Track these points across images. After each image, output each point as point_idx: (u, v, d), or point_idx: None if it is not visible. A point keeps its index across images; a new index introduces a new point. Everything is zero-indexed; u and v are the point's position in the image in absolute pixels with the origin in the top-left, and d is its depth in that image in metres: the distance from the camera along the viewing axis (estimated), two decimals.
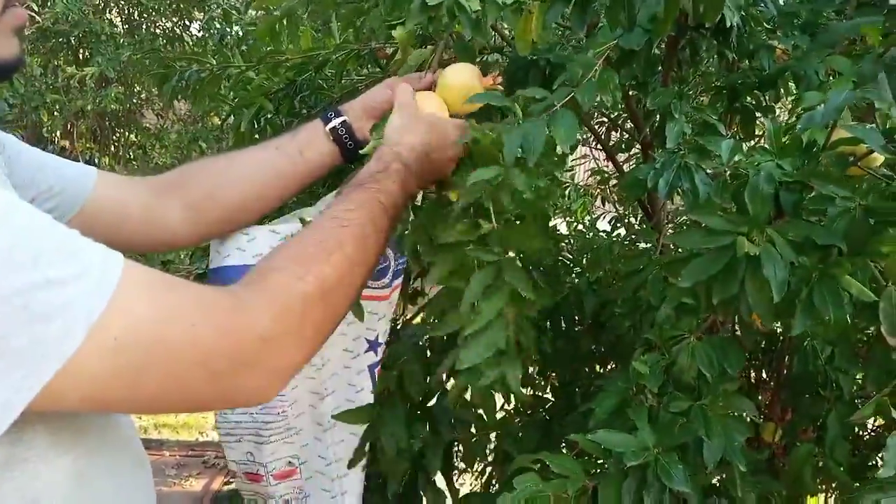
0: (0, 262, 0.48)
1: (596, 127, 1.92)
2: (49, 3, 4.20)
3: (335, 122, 0.97)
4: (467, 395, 0.95)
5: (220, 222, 0.98)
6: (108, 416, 0.66)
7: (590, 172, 2.34)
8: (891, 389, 0.71)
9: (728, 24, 1.06)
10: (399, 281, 1.30)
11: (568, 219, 2.32)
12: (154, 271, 0.58)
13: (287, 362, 0.63)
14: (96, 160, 4.79)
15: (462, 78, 0.98)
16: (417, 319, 1.49)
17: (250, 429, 1.30)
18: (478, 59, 1.20)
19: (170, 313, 0.56)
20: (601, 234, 1.98)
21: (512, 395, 0.83)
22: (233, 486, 1.68)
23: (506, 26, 1.08)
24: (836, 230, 0.76)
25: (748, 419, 0.91)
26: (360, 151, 0.97)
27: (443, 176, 0.87)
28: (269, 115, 1.55)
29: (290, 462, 1.29)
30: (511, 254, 0.77)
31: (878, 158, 0.90)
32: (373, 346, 1.28)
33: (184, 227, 0.94)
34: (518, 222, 0.79)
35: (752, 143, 1.35)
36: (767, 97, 1.25)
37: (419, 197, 0.95)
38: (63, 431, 0.58)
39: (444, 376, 1.02)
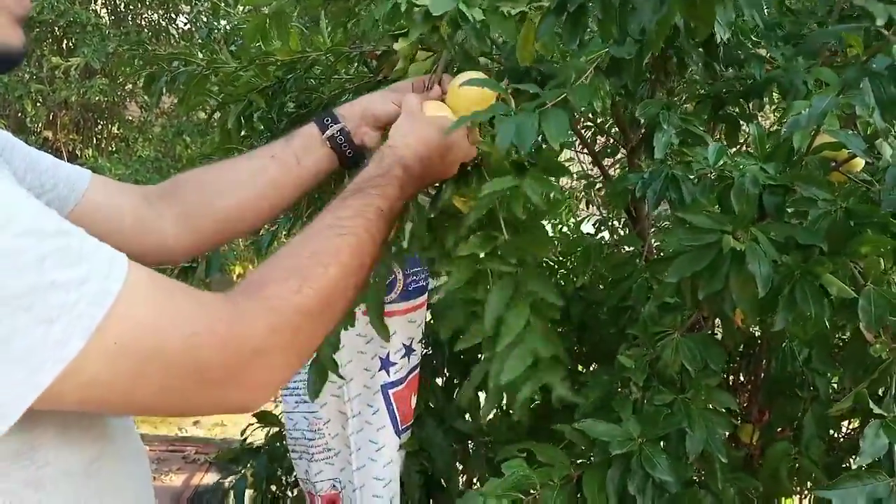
0: (5, 264, 0.48)
1: (582, 131, 1.94)
2: None
3: (333, 129, 0.94)
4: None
5: (215, 232, 0.96)
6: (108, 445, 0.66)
7: (575, 176, 2.36)
8: (868, 384, 0.73)
9: (718, 39, 1.08)
10: (420, 300, 1.29)
11: (553, 221, 2.34)
12: (157, 275, 0.58)
13: (276, 377, 0.64)
14: (79, 152, 4.74)
15: (474, 88, 0.97)
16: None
17: (304, 446, 1.33)
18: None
19: (171, 321, 0.56)
20: (586, 236, 2.01)
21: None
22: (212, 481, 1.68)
23: (499, 35, 1.08)
24: (817, 231, 0.78)
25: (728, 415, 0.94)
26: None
27: (444, 178, 0.87)
28: (258, 112, 1.54)
29: (333, 485, 1.31)
30: (526, 262, 0.78)
31: (860, 163, 0.93)
32: (384, 364, 1.28)
33: (178, 236, 0.92)
34: (527, 231, 0.80)
35: (735, 149, 1.38)
36: (751, 106, 1.28)
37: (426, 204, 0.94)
38: (71, 424, 0.59)
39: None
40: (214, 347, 0.58)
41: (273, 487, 1.66)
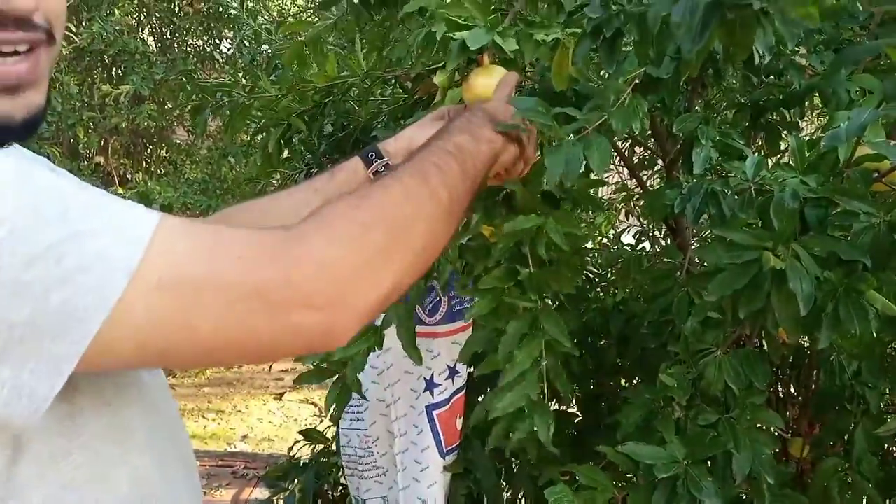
0: (28, 220, 0.47)
1: (619, 143, 1.93)
2: (85, 24, 4.32)
3: (377, 164, 0.93)
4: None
5: None
6: (156, 412, 0.66)
7: (614, 187, 2.35)
8: None
9: (757, 62, 1.07)
10: (460, 324, 1.30)
11: (594, 232, 2.33)
12: (191, 220, 0.57)
13: (352, 291, 0.59)
14: (129, 176, 4.90)
15: (484, 79, 0.98)
16: None
17: (356, 463, 1.35)
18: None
19: (214, 250, 0.54)
20: (626, 247, 1.99)
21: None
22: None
23: (538, 60, 1.10)
24: (860, 245, 0.77)
25: (776, 433, 0.92)
26: None
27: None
28: (298, 135, 1.58)
29: (383, 502, 1.32)
30: (548, 301, 0.78)
31: None
32: (429, 385, 1.29)
33: None
34: (553, 266, 0.80)
35: (777, 159, 1.36)
36: (792, 114, 1.26)
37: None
38: (110, 424, 0.59)
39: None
40: (270, 265, 0.55)
41: (320, 502, 1.68)
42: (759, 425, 0.84)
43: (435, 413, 1.30)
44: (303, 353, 0.63)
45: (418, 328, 1.29)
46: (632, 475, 0.81)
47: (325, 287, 0.57)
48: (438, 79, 1.11)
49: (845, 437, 1.12)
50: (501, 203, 0.88)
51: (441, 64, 1.10)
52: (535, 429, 0.73)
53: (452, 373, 1.31)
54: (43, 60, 0.61)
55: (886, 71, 1.11)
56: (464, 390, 1.37)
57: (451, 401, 1.33)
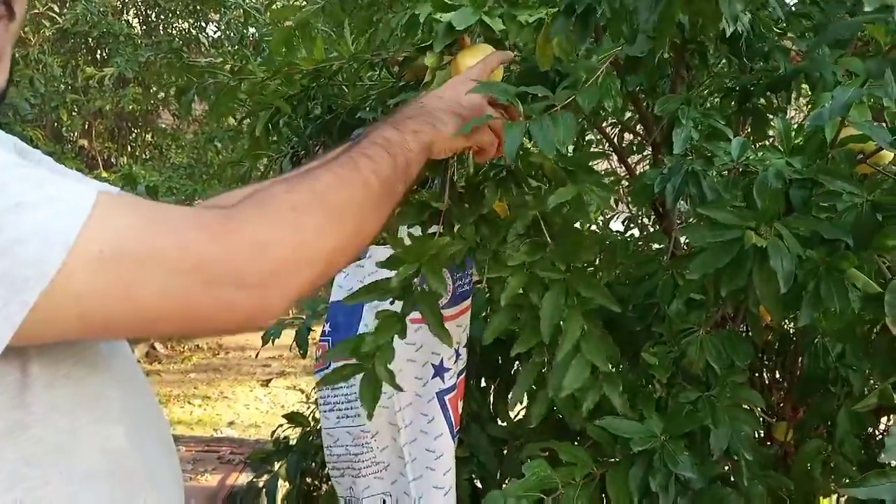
0: None
1: (608, 129, 1.93)
2: (69, 5, 4.27)
3: (394, 112, 0.92)
4: None
5: None
6: (128, 384, 0.66)
7: (603, 173, 2.35)
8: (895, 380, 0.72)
9: (728, 34, 1.07)
10: (465, 304, 1.29)
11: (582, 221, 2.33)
12: (132, 195, 0.58)
13: (286, 272, 0.61)
14: (114, 160, 4.85)
15: (472, 59, 0.97)
16: None
17: (348, 461, 1.32)
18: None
19: (155, 224, 0.56)
20: (615, 234, 1.99)
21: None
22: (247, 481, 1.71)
23: (520, 41, 1.09)
24: (843, 225, 0.77)
25: (759, 416, 0.92)
26: None
27: (449, 118, 0.82)
28: (286, 118, 1.57)
29: (383, 500, 1.30)
30: (577, 268, 0.78)
31: (888, 156, 0.91)
32: (438, 371, 1.27)
33: None
34: (565, 236, 0.81)
35: (763, 143, 1.36)
36: (779, 98, 1.26)
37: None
38: (73, 396, 0.59)
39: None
40: (209, 242, 0.57)
41: (308, 480, 1.68)
42: (739, 404, 0.84)
43: (447, 398, 1.28)
44: (236, 330, 0.64)
45: None
46: (612, 452, 0.81)
47: (259, 266, 0.59)
48: (427, 60, 1.11)
49: (828, 420, 1.13)
50: (509, 178, 0.88)
51: (428, 44, 1.10)
52: (608, 396, 0.74)
53: (457, 356, 1.30)
54: (0, 36, 0.61)
55: (875, 54, 1.11)
56: (464, 373, 1.36)
57: (458, 384, 1.32)
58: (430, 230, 0.88)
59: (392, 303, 0.85)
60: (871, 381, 1.12)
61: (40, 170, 0.54)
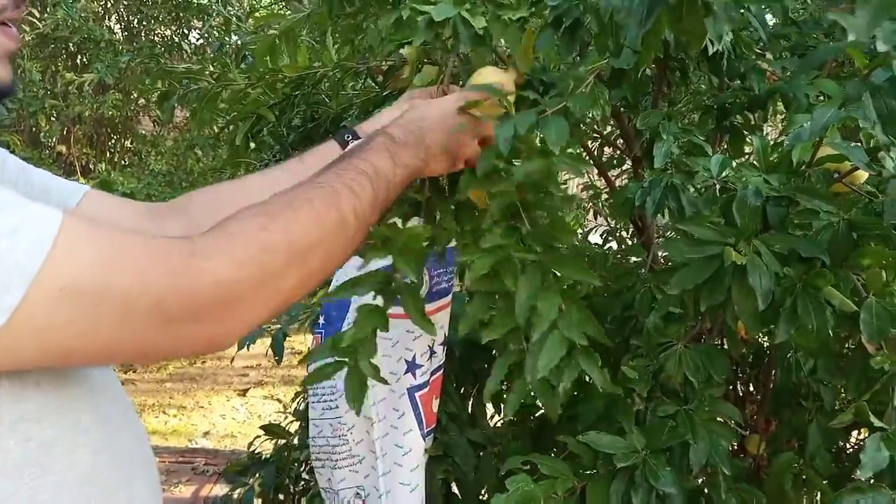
0: None
1: (588, 143, 1.95)
2: (49, 10, 4.22)
3: (354, 145, 0.91)
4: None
5: None
6: (104, 394, 0.65)
7: (582, 186, 2.37)
8: (869, 396, 0.73)
9: (710, 53, 1.09)
10: (443, 301, 1.28)
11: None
12: (98, 223, 0.57)
13: (243, 314, 0.61)
14: (92, 166, 4.80)
15: (487, 79, 0.97)
16: None
17: (327, 453, 1.32)
18: None
19: (117, 260, 0.55)
20: (593, 246, 2.01)
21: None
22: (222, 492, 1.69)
23: (503, 44, 1.10)
24: (819, 243, 0.79)
25: (733, 427, 0.93)
26: None
27: (440, 150, 0.83)
28: (268, 127, 1.56)
29: (357, 493, 1.30)
30: (552, 250, 0.76)
31: (863, 175, 0.94)
32: (411, 367, 1.27)
33: None
34: (548, 221, 0.80)
35: (741, 161, 1.38)
36: (756, 117, 1.29)
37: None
38: (45, 407, 0.58)
39: None
40: (170, 280, 0.57)
41: (281, 497, 1.67)
42: (716, 418, 0.85)
43: (417, 395, 1.29)
44: (188, 357, 0.64)
45: (400, 310, 1.27)
46: (592, 465, 0.81)
47: (219, 304, 0.59)
48: (406, 51, 1.11)
49: (800, 434, 1.14)
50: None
51: (409, 40, 1.10)
52: (586, 374, 0.70)
53: (431, 353, 1.30)
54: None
55: (849, 76, 1.13)
56: (441, 370, 1.36)
57: (430, 381, 1.32)
58: (411, 222, 0.88)
59: (375, 297, 0.86)
60: (843, 396, 1.14)
61: (4, 192, 0.53)
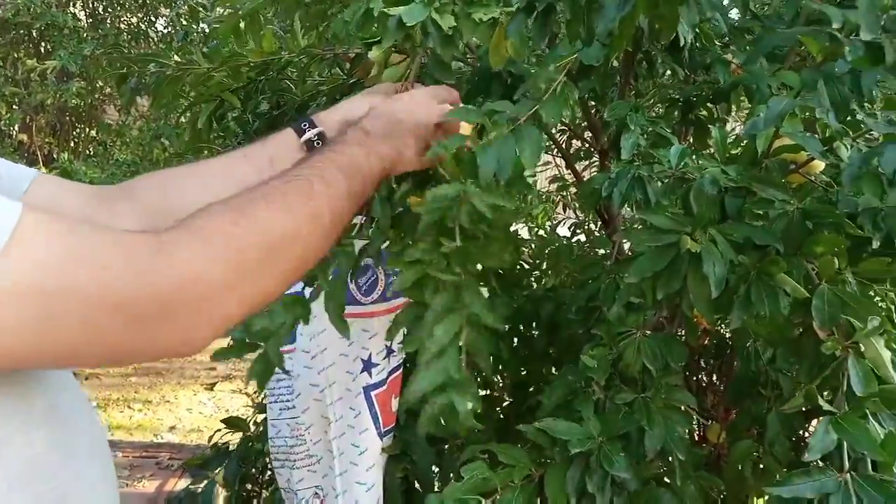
0: None
1: (557, 135, 1.96)
2: None
3: (310, 133, 0.90)
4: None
5: None
6: (58, 388, 0.63)
7: (551, 179, 2.38)
8: (820, 381, 0.74)
9: (682, 43, 1.10)
10: (402, 300, 1.27)
11: (529, 224, 2.36)
12: (61, 217, 0.55)
13: (213, 313, 0.59)
14: (55, 155, 4.70)
15: None
16: None
17: (286, 453, 1.31)
18: None
19: (77, 256, 0.52)
20: (562, 238, 2.02)
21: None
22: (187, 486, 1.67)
23: (475, 39, 1.10)
24: (774, 231, 0.80)
25: (694, 417, 0.94)
26: None
27: (414, 142, 0.82)
28: (232, 112, 1.54)
29: (315, 493, 1.29)
30: (471, 272, 0.75)
31: (819, 165, 0.95)
32: (366, 366, 1.26)
33: None
34: (481, 240, 0.77)
35: (705, 152, 1.40)
36: (720, 109, 1.30)
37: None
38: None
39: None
40: (133, 279, 0.54)
41: (249, 486, 1.65)
42: (673, 404, 0.85)
43: (373, 394, 1.28)
44: (162, 358, 0.62)
45: (355, 309, 1.26)
46: (552, 453, 0.81)
47: (188, 304, 0.57)
48: (374, 54, 1.09)
49: (760, 422, 1.16)
50: (432, 175, 0.87)
51: (376, 39, 1.09)
52: (454, 403, 0.71)
53: (389, 352, 1.29)
54: None
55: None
56: (400, 370, 1.36)
57: (388, 380, 1.31)
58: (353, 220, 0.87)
59: (303, 288, 0.85)
60: (801, 384, 1.15)
61: None
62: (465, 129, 0.86)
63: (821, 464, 0.70)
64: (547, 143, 2.05)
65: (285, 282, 0.66)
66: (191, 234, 0.59)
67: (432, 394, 0.70)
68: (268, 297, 0.65)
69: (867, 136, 0.94)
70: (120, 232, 0.58)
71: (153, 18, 4.60)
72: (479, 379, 1.24)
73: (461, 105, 0.89)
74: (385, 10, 0.97)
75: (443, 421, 0.70)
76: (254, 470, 1.64)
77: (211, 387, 4.74)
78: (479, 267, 0.78)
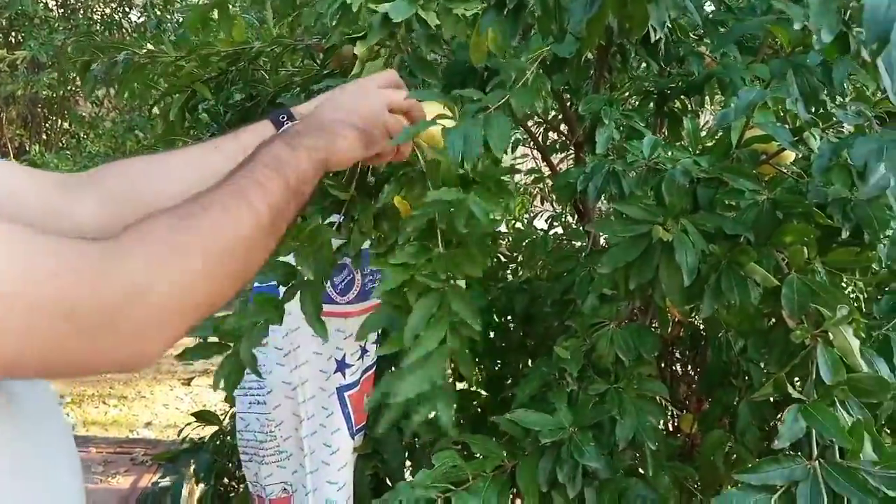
0: None
1: (533, 128, 1.96)
2: None
3: (288, 126, 0.89)
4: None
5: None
6: (22, 388, 0.62)
7: (526, 171, 2.38)
8: (789, 369, 0.75)
9: (653, 39, 1.10)
10: (376, 300, 1.27)
11: (506, 216, 2.35)
12: (11, 225, 0.54)
13: (163, 322, 0.59)
14: (27, 147, 4.61)
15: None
16: None
17: (255, 448, 1.30)
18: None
19: (25, 265, 0.52)
20: (539, 231, 2.02)
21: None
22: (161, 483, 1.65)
23: (452, 35, 1.09)
24: (744, 221, 0.80)
25: (667, 408, 0.95)
26: None
27: (349, 132, 0.80)
28: (205, 104, 1.51)
29: (284, 489, 1.28)
30: (458, 281, 0.75)
31: (790, 156, 0.95)
32: (340, 366, 1.26)
33: (95, 222, 0.84)
34: (464, 246, 0.77)
35: (679, 144, 1.40)
36: (693, 102, 1.30)
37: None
38: None
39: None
40: (81, 287, 0.54)
41: (226, 481, 1.64)
42: (645, 394, 0.85)
43: (346, 395, 1.28)
44: (113, 372, 0.61)
45: (330, 308, 1.25)
46: (525, 445, 0.81)
47: (136, 313, 0.57)
48: (358, 49, 1.08)
49: (731, 412, 1.17)
50: (417, 177, 0.86)
51: (360, 35, 1.07)
52: (437, 413, 0.70)
53: (363, 352, 1.28)
54: None
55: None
56: (373, 369, 1.35)
57: (361, 381, 1.31)
58: (330, 219, 0.86)
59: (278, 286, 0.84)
60: (771, 373, 1.17)
61: None
62: (431, 115, 0.85)
63: (790, 451, 0.70)
64: (523, 136, 2.05)
65: (233, 285, 0.66)
66: (136, 242, 0.59)
67: (416, 403, 0.70)
68: (218, 302, 0.65)
69: (837, 127, 0.95)
70: (70, 240, 0.57)
71: (127, 9, 4.53)
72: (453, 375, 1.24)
73: (430, 91, 0.88)
74: (370, 5, 0.96)
75: (424, 431, 0.69)
76: (230, 464, 1.62)
77: (188, 382, 4.69)
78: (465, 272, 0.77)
